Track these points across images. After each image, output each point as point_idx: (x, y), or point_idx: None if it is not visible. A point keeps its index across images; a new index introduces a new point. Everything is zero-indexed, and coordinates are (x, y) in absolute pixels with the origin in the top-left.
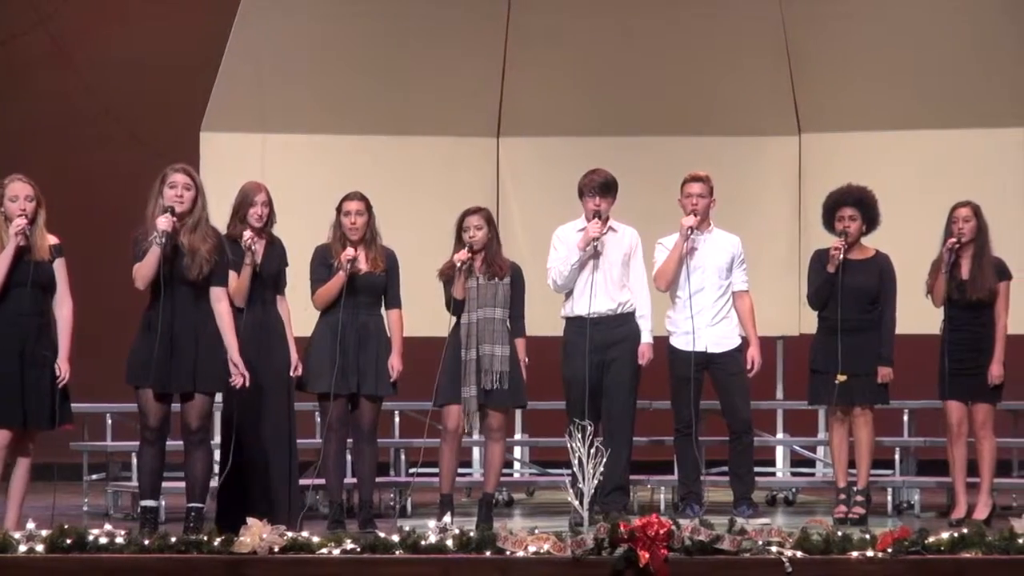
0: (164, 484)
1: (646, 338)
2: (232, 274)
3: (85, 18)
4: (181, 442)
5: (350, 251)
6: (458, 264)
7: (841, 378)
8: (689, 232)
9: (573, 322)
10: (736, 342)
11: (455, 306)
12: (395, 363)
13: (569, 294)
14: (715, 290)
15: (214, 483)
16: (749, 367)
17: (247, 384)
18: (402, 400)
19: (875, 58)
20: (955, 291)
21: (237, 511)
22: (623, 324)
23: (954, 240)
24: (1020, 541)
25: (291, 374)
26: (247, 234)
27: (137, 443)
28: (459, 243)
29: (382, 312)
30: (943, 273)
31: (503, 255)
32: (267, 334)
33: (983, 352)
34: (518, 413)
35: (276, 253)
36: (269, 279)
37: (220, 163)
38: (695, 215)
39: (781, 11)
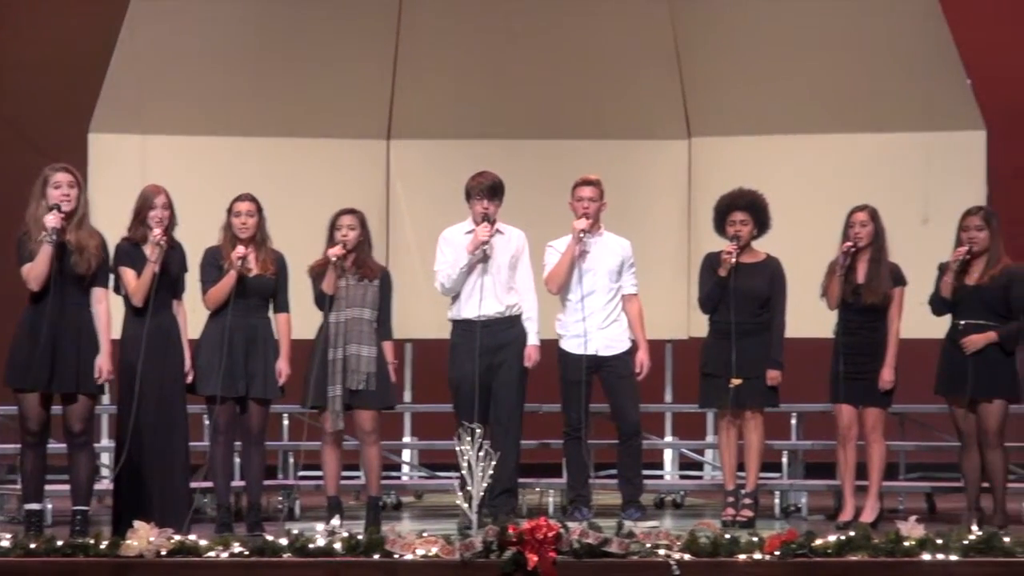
0: (51, 487)
1: (533, 340)
2: (132, 274)
3: None
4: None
5: (240, 249)
6: (332, 259)
7: (736, 382)
8: (580, 235)
9: (460, 325)
10: (626, 345)
11: (325, 301)
12: (283, 367)
13: (456, 297)
14: (605, 293)
15: (102, 485)
16: (638, 370)
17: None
18: (291, 403)
19: (765, 62)
20: (850, 295)
21: (131, 515)
22: (511, 327)
23: (850, 244)
24: (906, 544)
25: (185, 379)
26: (157, 231)
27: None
28: (331, 242)
29: (270, 315)
30: (839, 276)
31: (373, 259)
32: (166, 338)
33: (875, 356)
34: (407, 416)
35: (177, 257)
36: (170, 282)
37: (108, 164)
38: (586, 218)
39: (671, 15)
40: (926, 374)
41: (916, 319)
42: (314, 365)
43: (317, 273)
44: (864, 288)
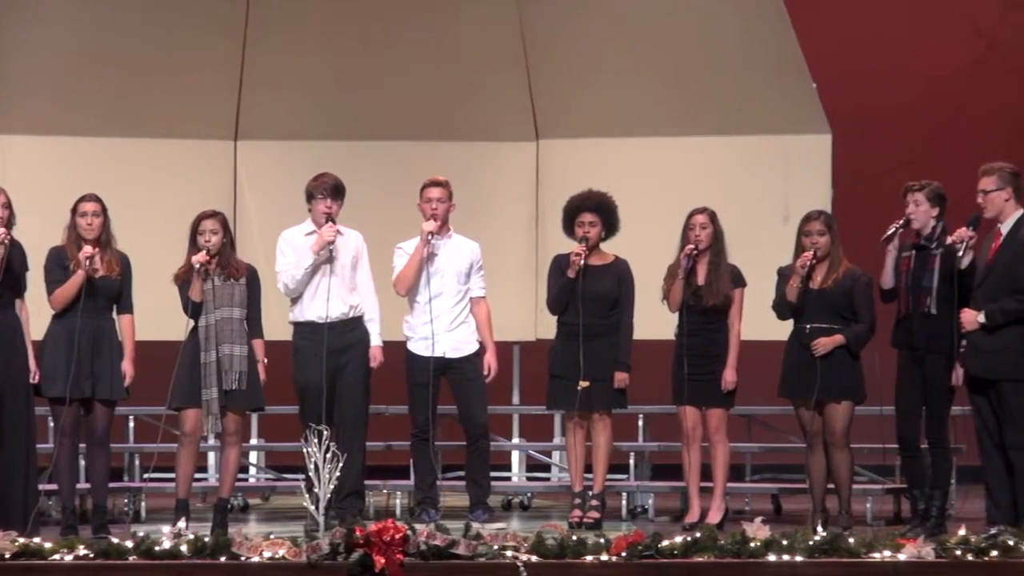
0: None
1: (376, 341)
2: None
3: None
4: None
5: (88, 249)
6: (196, 266)
7: (584, 384)
8: (428, 237)
9: (304, 327)
10: (474, 347)
11: (193, 308)
12: (127, 368)
13: (298, 299)
14: (454, 295)
15: None
16: (486, 373)
17: None
18: (136, 404)
19: (614, 65)
20: (691, 297)
21: None
22: (354, 328)
23: (692, 247)
24: (752, 545)
25: (30, 380)
26: (1, 232)
27: None
28: (193, 246)
29: (115, 316)
30: (680, 279)
31: (238, 257)
32: (10, 338)
33: (717, 358)
34: (254, 418)
35: (18, 255)
36: (13, 281)
37: None
38: (434, 220)
39: (519, 17)
40: (771, 376)
41: (760, 321)
42: (180, 368)
43: (183, 281)
44: (704, 290)
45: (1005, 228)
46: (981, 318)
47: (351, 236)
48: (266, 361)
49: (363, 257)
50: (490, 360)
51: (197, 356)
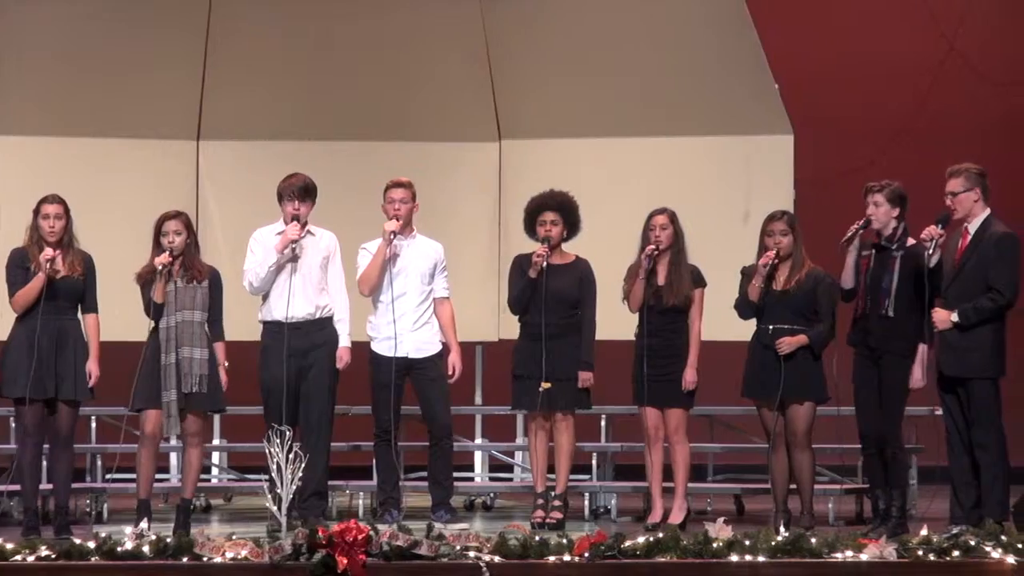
0: None
1: (344, 342)
2: None
3: None
4: None
5: (49, 251)
6: (159, 268)
7: (546, 385)
8: (392, 237)
9: (271, 326)
10: (437, 348)
11: (154, 310)
12: (92, 368)
13: (266, 297)
14: (417, 295)
15: None
16: (450, 373)
17: None
18: (100, 405)
19: (576, 65)
20: (651, 297)
21: None
22: (322, 328)
23: (653, 247)
24: (714, 545)
25: None
26: None
27: None
28: (157, 247)
29: (79, 316)
30: (641, 279)
31: (201, 259)
32: None
33: (677, 358)
34: (216, 418)
35: None
36: None
37: None
38: (397, 220)
39: (482, 17)
40: (733, 376)
41: (722, 321)
42: (141, 369)
43: (145, 281)
44: (665, 290)
45: (972, 227)
46: (954, 317)
47: (323, 236)
48: (227, 364)
49: (335, 258)
50: (455, 360)
51: (158, 358)
